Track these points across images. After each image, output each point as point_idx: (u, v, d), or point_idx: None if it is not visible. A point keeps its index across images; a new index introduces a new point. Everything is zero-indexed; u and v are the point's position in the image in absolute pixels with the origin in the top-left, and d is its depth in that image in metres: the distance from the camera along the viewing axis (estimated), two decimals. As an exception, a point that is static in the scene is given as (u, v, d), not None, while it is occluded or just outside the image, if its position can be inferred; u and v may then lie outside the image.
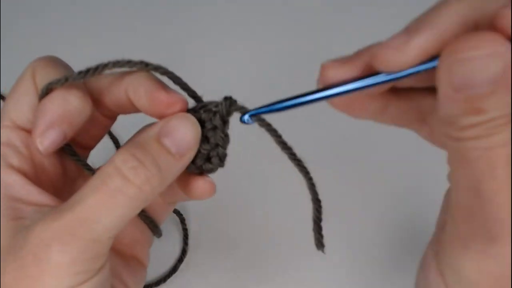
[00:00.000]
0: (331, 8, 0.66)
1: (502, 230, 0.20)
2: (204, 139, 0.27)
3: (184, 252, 0.47)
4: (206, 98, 0.29)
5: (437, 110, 0.21)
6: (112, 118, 0.32)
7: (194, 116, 0.27)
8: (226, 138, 0.28)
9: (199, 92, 0.29)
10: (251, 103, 0.28)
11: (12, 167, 0.28)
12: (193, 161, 0.28)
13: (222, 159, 0.28)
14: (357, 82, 0.23)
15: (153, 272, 0.47)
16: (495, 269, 0.21)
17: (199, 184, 0.29)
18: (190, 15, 0.65)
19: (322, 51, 0.32)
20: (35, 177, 0.29)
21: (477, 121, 0.20)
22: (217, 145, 0.28)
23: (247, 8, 0.66)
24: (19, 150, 0.29)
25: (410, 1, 0.64)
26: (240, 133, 0.31)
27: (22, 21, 0.65)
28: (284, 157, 0.28)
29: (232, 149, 0.29)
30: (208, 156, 0.28)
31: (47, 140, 0.27)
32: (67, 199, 0.26)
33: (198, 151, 0.27)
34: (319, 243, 0.28)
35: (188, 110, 0.28)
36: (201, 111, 0.28)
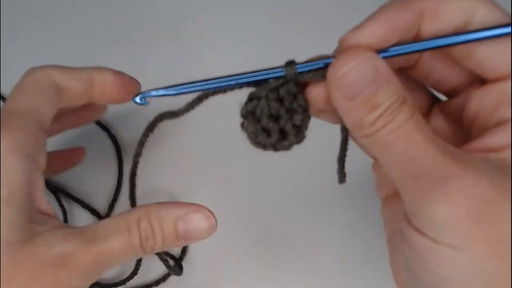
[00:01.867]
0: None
1: (448, 171, 0.23)
2: (278, 110, 0.26)
3: (184, 251, 0.47)
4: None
5: (344, 123, 0.26)
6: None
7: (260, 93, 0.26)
8: (305, 106, 0.26)
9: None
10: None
11: (38, 163, 0.29)
12: (267, 134, 0.26)
13: (300, 132, 0.27)
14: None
15: (153, 272, 0.47)
16: (462, 201, 0.23)
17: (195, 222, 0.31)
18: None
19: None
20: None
21: (378, 113, 0.24)
22: (291, 114, 0.26)
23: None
24: (43, 149, 0.30)
25: None
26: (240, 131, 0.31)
27: (22, 22, 0.65)
28: (284, 156, 0.28)
29: (231, 147, 0.29)
30: (283, 131, 0.26)
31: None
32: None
33: (266, 128, 0.26)
34: (342, 177, 0.32)
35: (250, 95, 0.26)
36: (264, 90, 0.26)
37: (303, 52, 0.28)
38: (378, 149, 0.25)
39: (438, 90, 0.31)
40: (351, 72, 0.24)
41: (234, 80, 0.26)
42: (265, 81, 0.26)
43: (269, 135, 0.26)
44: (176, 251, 0.47)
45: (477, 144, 0.26)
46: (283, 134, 0.26)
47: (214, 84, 0.27)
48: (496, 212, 0.23)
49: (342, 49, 0.25)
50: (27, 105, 0.31)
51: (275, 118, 0.26)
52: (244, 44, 0.57)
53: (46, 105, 0.32)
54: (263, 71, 0.26)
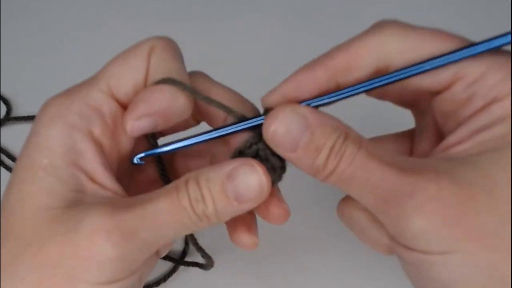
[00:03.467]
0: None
1: (410, 187, 0.24)
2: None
3: (184, 252, 0.47)
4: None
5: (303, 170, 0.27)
6: (197, 122, 0.33)
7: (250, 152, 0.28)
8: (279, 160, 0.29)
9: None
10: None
11: (91, 134, 0.27)
12: (274, 171, 0.29)
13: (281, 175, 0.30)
14: None
15: (153, 271, 0.47)
16: (434, 210, 0.24)
17: (274, 210, 0.30)
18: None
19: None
20: (108, 154, 0.28)
21: (325, 155, 0.25)
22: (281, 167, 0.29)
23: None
24: (105, 120, 0.28)
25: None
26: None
27: (22, 21, 0.65)
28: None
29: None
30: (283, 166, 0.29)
31: (138, 125, 0.27)
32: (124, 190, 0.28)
33: (274, 166, 0.28)
34: None
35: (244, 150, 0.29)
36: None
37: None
38: (342, 186, 0.26)
39: (401, 105, 0.32)
40: (279, 129, 0.26)
41: (223, 132, 0.29)
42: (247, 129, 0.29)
43: (274, 171, 0.29)
44: (176, 250, 0.47)
45: (442, 144, 0.27)
46: (282, 168, 0.29)
47: (199, 140, 0.29)
48: (470, 208, 0.23)
49: (263, 107, 0.28)
50: (104, 71, 0.28)
51: (278, 155, 0.28)
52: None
53: (125, 69, 0.28)
54: (247, 120, 0.29)
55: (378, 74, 0.27)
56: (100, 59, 0.43)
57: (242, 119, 0.29)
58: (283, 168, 0.29)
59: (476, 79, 0.26)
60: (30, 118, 0.55)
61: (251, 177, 0.26)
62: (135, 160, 0.29)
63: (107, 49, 0.62)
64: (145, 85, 0.28)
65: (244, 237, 0.31)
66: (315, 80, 0.27)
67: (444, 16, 0.65)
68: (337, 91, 0.27)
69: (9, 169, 0.52)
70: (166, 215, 0.25)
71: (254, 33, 0.64)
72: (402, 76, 0.26)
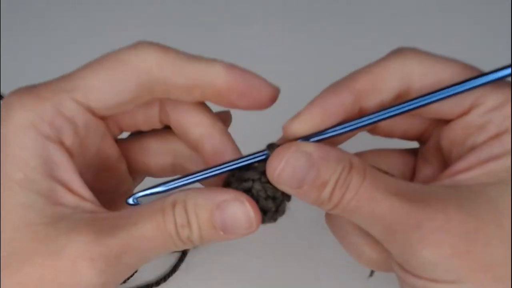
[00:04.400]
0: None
1: (418, 217, 0.24)
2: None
3: (184, 252, 0.47)
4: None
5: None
6: (163, 125, 0.32)
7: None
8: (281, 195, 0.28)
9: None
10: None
11: (62, 144, 0.26)
12: (264, 213, 0.28)
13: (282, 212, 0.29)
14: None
15: (153, 271, 0.47)
16: (443, 241, 0.24)
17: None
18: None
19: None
20: (77, 161, 0.27)
21: (330, 189, 0.25)
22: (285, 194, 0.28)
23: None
24: (78, 131, 0.27)
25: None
26: (244, 140, 0.31)
27: (22, 21, 0.65)
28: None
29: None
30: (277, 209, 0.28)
31: None
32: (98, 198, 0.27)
33: (264, 208, 0.27)
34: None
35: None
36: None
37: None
38: (348, 216, 0.26)
39: (407, 139, 0.31)
40: (285, 170, 0.25)
41: (221, 169, 0.28)
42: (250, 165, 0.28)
43: (265, 214, 0.28)
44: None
45: (450, 170, 0.27)
46: (276, 211, 0.28)
47: (201, 176, 0.28)
48: (478, 239, 0.23)
49: (285, 136, 0.27)
50: (82, 78, 0.27)
51: (272, 198, 0.27)
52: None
53: (112, 85, 0.27)
54: (247, 157, 0.28)
55: (400, 98, 0.27)
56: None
57: (240, 157, 0.28)
58: (278, 213, 0.28)
59: (494, 107, 0.26)
60: (30, 118, 0.55)
61: (240, 213, 0.26)
62: (131, 201, 0.28)
63: (107, 49, 0.62)
64: (133, 102, 0.28)
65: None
66: (341, 105, 0.27)
67: (444, 16, 0.65)
68: (357, 119, 0.27)
69: (9, 169, 0.52)
70: (151, 240, 0.25)
71: (256, 41, 0.64)
72: (426, 101, 0.26)
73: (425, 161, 0.31)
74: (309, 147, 0.25)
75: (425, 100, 0.26)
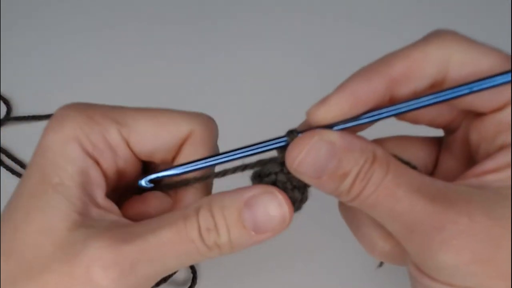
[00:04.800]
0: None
1: (441, 219, 0.23)
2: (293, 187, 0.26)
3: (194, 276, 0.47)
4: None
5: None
6: None
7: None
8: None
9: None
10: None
11: (100, 167, 0.27)
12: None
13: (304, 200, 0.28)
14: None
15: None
16: (464, 246, 0.23)
17: None
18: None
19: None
20: (110, 187, 0.28)
21: (351, 181, 0.24)
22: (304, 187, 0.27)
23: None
24: (116, 160, 0.28)
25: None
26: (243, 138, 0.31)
27: (22, 21, 0.65)
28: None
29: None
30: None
31: None
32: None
33: (292, 198, 0.26)
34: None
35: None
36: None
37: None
38: (366, 210, 0.25)
39: (434, 127, 0.30)
40: (305, 160, 0.24)
41: (239, 154, 0.27)
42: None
43: (293, 203, 0.26)
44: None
45: (477, 169, 0.25)
46: (301, 200, 0.27)
47: (218, 160, 0.27)
48: (502, 246, 0.22)
49: (308, 122, 0.26)
50: (131, 117, 0.28)
51: (298, 188, 0.26)
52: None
53: (153, 135, 0.28)
54: (266, 142, 0.27)
55: (434, 87, 0.25)
56: (100, 59, 0.43)
57: (258, 142, 0.27)
58: (302, 201, 0.27)
59: None
60: (30, 118, 0.55)
61: (272, 207, 0.25)
62: (143, 183, 0.28)
63: (107, 49, 0.62)
64: (163, 159, 0.29)
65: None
66: (372, 92, 0.25)
67: (444, 16, 0.65)
68: (394, 104, 0.25)
69: (9, 169, 0.52)
70: (170, 247, 0.24)
71: (255, 61, 0.64)
72: (460, 92, 0.24)
73: (450, 152, 0.29)
74: (333, 136, 0.24)
75: (459, 91, 0.24)
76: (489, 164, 0.25)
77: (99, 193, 0.27)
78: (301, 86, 0.57)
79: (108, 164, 0.28)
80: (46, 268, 0.24)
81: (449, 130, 0.29)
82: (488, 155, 0.26)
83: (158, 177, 0.28)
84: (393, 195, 0.24)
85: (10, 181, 0.52)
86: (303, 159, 0.24)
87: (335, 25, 0.65)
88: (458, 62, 0.25)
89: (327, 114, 0.25)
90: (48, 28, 0.64)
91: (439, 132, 0.30)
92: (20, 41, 0.63)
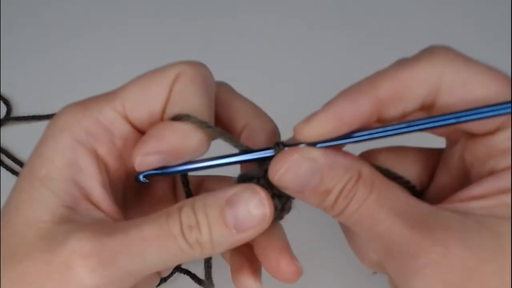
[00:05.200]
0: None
1: (416, 246, 0.23)
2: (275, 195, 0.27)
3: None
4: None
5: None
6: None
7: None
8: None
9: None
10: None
11: (95, 152, 0.27)
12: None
13: (288, 211, 0.28)
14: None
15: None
16: (437, 275, 0.22)
17: (283, 266, 0.27)
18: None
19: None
20: (113, 174, 0.27)
21: (334, 197, 0.24)
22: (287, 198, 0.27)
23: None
24: (113, 140, 0.27)
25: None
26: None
27: (22, 21, 0.65)
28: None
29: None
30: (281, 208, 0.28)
31: (146, 161, 0.26)
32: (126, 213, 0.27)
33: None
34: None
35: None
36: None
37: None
38: (351, 226, 0.26)
39: (436, 134, 0.29)
40: (285, 175, 0.25)
41: (226, 161, 0.27)
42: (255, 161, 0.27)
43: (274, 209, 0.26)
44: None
45: (464, 193, 0.25)
46: (282, 209, 0.28)
47: (206, 164, 0.27)
48: (475, 278, 0.22)
49: (294, 139, 0.26)
50: (122, 90, 0.27)
51: (278, 196, 0.27)
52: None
53: (144, 95, 0.27)
54: (254, 152, 0.27)
55: (424, 109, 0.25)
56: (100, 59, 0.44)
57: (247, 151, 0.27)
58: (283, 210, 0.27)
59: None
60: (30, 118, 0.55)
61: (253, 204, 0.25)
62: (141, 178, 0.28)
63: (107, 49, 0.62)
64: (162, 114, 0.27)
65: (248, 281, 0.29)
66: (357, 113, 0.24)
67: (444, 16, 0.65)
68: (373, 130, 0.25)
69: (9, 169, 0.52)
70: (151, 242, 0.24)
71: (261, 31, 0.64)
72: (448, 122, 0.24)
73: (446, 167, 0.28)
74: (316, 153, 0.25)
75: (445, 119, 0.24)
76: (475, 190, 0.24)
77: (93, 184, 0.26)
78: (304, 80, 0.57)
79: (106, 148, 0.27)
80: (27, 256, 0.24)
81: (451, 141, 0.28)
82: (478, 179, 0.25)
83: (155, 174, 0.28)
84: (374, 216, 0.24)
85: (10, 181, 0.52)
86: (283, 175, 0.25)
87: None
88: (449, 84, 0.24)
89: (311, 133, 0.25)
90: (48, 28, 0.64)
91: (439, 144, 0.30)
92: (20, 41, 0.63)
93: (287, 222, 0.29)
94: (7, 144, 0.54)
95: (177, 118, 0.26)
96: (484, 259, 0.22)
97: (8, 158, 0.53)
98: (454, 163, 0.27)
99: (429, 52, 0.25)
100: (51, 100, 0.57)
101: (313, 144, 0.25)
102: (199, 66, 0.28)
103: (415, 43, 0.28)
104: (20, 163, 0.53)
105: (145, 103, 0.27)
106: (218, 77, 0.30)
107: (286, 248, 0.27)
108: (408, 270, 0.23)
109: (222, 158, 0.27)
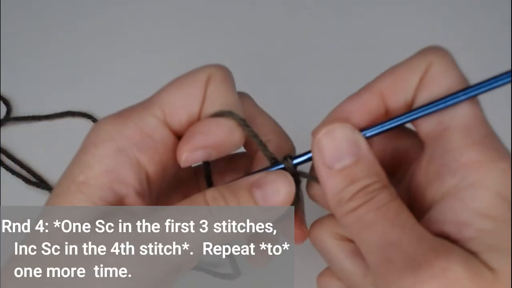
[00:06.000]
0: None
1: (420, 259, 0.22)
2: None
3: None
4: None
5: (326, 196, 0.26)
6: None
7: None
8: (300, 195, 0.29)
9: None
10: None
11: (137, 161, 0.27)
12: None
13: None
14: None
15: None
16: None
17: (295, 230, 0.29)
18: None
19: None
20: (152, 181, 0.28)
21: (357, 188, 0.24)
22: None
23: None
24: (155, 147, 0.27)
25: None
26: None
27: (22, 21, 0.65)
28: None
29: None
30: None
31: (192, 157, 0.27)
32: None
33: None
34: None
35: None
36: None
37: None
38: (357, 229, 0.25)
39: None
40: (330, 135, 0.25)
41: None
42: None
43: None
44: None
45: (429, 220, 0.25)
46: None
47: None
48: None
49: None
50: (160, 96, 0.28)
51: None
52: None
53: (181, 98, 0.28)
54: (271, 167, 0.28)
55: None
56: (100, 59, 0.44)
57: (273, 161, 0.29)
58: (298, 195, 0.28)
59: (452, 149, 0.24)
60: (30, 118, 0.55)
61: (281, 183, 0.26)
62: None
63: (107, 49, 0.62)
64: (199, 115, 0.28)
65: (296, 230, 0.30)
66: (363, 105, 0.26)
67: (444, 16, 0.65)
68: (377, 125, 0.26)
69: (9, 169, 0.52)
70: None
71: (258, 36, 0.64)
72: (407, 119, 0.25)
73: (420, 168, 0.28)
74: (362, 139, 0.25)
75: (407, 117, 0.25)
76: (438, 217, 0.24)
77: (129, 193, 0.26)
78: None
79: (149, 155, 0.27)
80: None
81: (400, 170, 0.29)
82: (434, 203, 0.25)
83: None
84: (391, 220, 0.24)
85: (10, 181, 0.52)
86: (329, 132, 0.25)
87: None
88: (427, 83, 0.25)
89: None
90: (48, 28, 0.64)
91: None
92: (20, 41, 0.63)
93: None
94: (7, 144, 0.54)
95: (219, 114, 0.27)
96: (480, 283, 0.22)
97: (8, 158, 0.53)
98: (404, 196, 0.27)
99: (423, 49, 0.26)
100: (51, 100, 0.57)
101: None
102: (225, 68, 0.29)
103: (414, 44, 0.28)
104: (20, 163, 0.53)
105: (183, 106, 0.27)
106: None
107: (299, 214, 0.29)
108: (406, 282, 0.22)
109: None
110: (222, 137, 0.27)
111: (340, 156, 0.25)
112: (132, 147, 0.27)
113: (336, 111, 0.27)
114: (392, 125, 0.26)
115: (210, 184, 0.30)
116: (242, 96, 0.30)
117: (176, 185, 0.32)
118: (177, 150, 0.27)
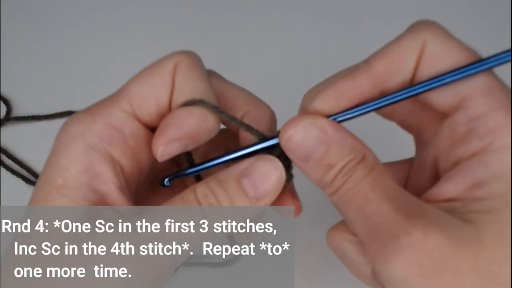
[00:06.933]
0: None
1: (398, 229, 0.23)
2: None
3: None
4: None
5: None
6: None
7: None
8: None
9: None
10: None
11: (110, 156, 0.27)
12: None
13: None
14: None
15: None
16: (413, 258, 0.23)
17: (285, 203, 0.29)
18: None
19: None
20: (127, 174, 0.28)
21: (334, 173, 0.25)
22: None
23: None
24: (126, 140, 0.27)
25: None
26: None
27: (22, 21, 0.65)
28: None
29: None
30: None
31: (167, 150, 0.26)
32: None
33: None
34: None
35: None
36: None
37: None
38: (340, 207, 0.26)
39: (406, 128, 0.30)
40: (295, 137, 0.25)
41: (238, 154, 0.28)
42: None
43: None
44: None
45: (435, 192, 0.26)
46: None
47: (225, 159, 0.28)
48: (450, 265, 0.22)
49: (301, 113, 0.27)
50: (127, 88, 0.28)
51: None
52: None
53: (149, 88, 0.27)
54: (259, 143, 0.28)
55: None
56: (100, 59, 0.44)
57: (262, 138, 0.28)
58: (289, 176, 0.28)
59: (478, 116, 0.25)
60: (30, 118, 0.55)
61: (269, 168, 0.26)
62: (166, 183, 0.29)
63: (107, 49, 0.62)
64: (169, 104, 0.28)
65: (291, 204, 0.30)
66: (358, 88, 0.26)
67: (444, 16, 0.65)
68: (361, 105, 0.26)
69: (9, 169, 0.52)
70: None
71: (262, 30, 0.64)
72: (416, 91, 0.25)
73: (419, 170, 0.29)
74: (326, 124, 0.25)
75: (414, 90, 0.25)
76: (447, 187, 0.25)
77: (111, 189, 0.26)
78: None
79: (120, 149, 0.27)
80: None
81: (421, 143, 0.29)
82: (445, 172, 0.26)
83: (176, 177, 0.29)
84: (366, 196, 0.25)
85: (10, 181, 0.52)
86: (292, 136, 0.25)
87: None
88: (428, 58, 0.25)
89: (316, 108, 0.26)
90: (48, 28, 0.64)
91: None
92: (20, 41, 0.63)
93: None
94: (7, 144, 0.54)
95: (190, 103, 0.27)
96: (461, 247, 0.23)
97: (8, 158, 0.53)
98: (428, 163, 0.28)
99: (413, 25, 0.26)
100: (51, 100, 0.57)
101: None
102: (192, 54, 0.28)
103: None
104: (20, 163, 0.53)
105: (151, 97, 0.27)
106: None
107: (290, 188, 0.29)
108: (387, 252, 0.23)
109: (241, 150, 0.28)
110: (196, 126, 0.27)
111: (311, 151, 0.25)
112: (102, 142, 0.26)
113: (328, 92, 0.26)
114: (399, 97, 0.26)
115: (198, 178, 0.30)
116: (210, 73, 0.30)
117: (156, 177, 0.31)
118: (151, 145, 0.27)
